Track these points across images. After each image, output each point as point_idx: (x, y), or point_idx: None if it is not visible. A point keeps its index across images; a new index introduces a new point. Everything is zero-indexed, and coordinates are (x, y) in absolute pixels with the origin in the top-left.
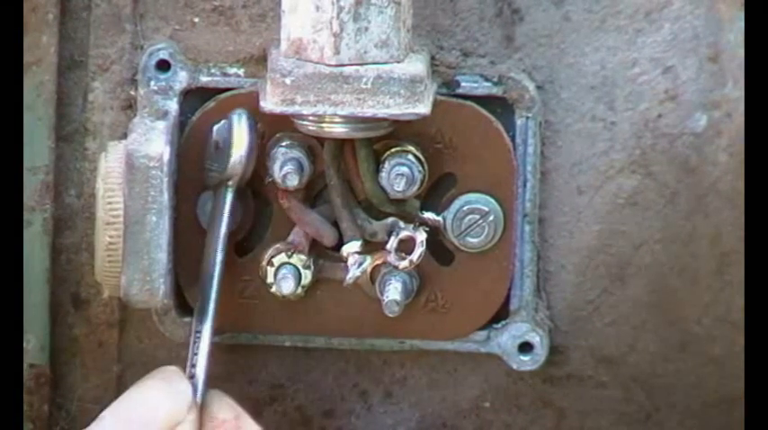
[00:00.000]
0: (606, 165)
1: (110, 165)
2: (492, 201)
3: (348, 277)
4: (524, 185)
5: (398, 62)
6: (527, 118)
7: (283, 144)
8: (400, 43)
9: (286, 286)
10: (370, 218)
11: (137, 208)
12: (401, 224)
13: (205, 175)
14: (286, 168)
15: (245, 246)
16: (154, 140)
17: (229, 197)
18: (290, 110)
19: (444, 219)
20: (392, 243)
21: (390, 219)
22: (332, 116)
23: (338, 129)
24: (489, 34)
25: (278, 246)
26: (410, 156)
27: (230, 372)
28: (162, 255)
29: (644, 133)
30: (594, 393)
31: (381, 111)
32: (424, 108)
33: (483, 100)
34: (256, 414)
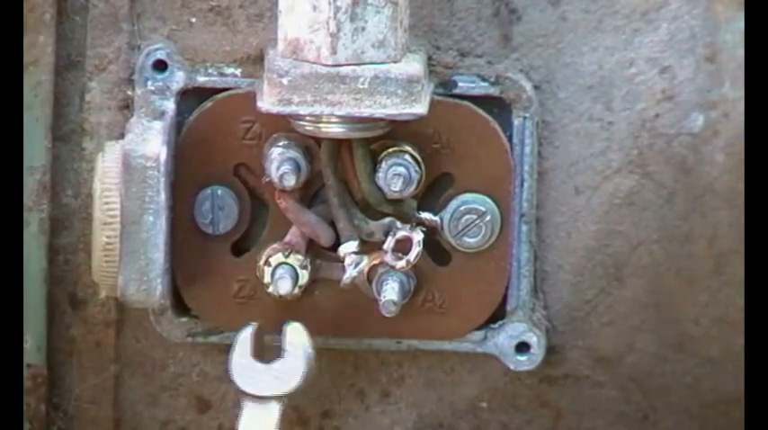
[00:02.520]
0: (603, 165)
1: (107, 165)
2: (489, 201)
3: (345, 277)
4: (521, 185)
5: (395, 62)
6: (524, 118)
7: (280, 144)
8: (397, 43)
9: (283, 286)
10: (366, 218)
11: (134, 208)
12: (398, 224)
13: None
14: (283, 168)
15: (241, 245)
16: (151, 140)
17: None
18: (286, 110)
19: (441, 219)
20: (389, 243)
21: (387, 220)
22: (329, 116)
23: (335, 130)
24: (486, 34)
25: (275, 245)
26: (407, 157)
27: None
28: (159, 255)
29: (641, 133)
30: (591, 393)
31: (378, 112)
32: (421, 108)
33: (480, 100)
34: None
